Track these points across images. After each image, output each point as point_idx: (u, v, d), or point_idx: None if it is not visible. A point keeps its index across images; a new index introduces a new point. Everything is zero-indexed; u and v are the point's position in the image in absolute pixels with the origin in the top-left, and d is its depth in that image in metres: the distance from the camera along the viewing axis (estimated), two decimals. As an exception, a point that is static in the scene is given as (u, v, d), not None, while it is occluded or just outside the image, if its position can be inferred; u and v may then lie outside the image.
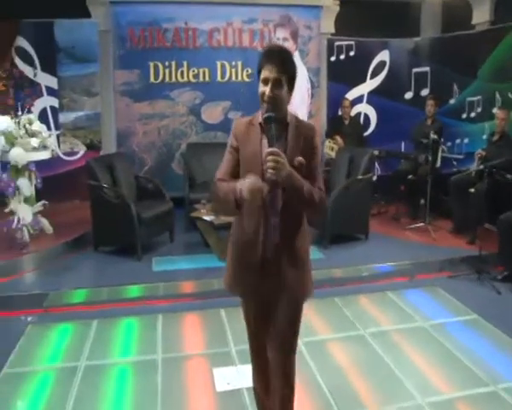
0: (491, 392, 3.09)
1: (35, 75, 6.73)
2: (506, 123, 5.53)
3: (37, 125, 5.27)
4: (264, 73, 1.98)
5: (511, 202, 4.99)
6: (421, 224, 6.06)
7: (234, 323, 3.84)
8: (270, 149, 1.88)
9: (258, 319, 2.25)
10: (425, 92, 7.24)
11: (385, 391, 3.11)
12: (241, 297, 2.27)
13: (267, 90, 1.97)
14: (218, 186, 2.09)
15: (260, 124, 2.05)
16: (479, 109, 6.44)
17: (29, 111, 5.53)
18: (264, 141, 2.01)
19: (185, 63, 6.97)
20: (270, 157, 1.86)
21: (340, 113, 7.26)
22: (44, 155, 5.27)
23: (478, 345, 3.65)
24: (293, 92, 2.06)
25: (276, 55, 2.00)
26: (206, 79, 7.05)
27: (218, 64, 7.05)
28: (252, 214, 2.06)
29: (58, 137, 6.82)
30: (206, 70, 7.03)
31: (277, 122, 1.98)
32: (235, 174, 2.08)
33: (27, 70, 6.70)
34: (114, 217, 5.22)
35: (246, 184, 1.92)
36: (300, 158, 1.99)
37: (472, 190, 5.51)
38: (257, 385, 2.40)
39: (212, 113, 7.12)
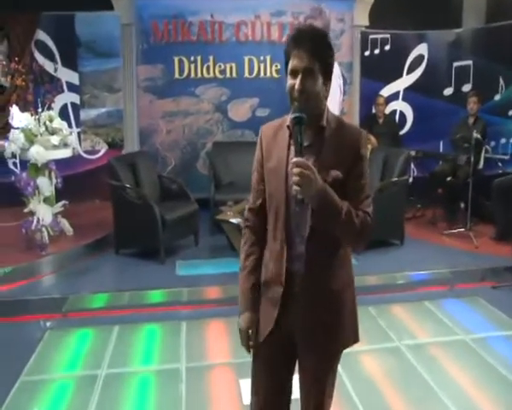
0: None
1: (55, 70, 6.82)
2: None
3: (58, 123, 5.36)
4: (293, 63, 1.67)
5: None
6: (461, 229, 5.95)
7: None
8: (296, 160, 1.57)
9: (275, 373, 1.89)
10: (467, 88, 7.09)
11: (422, 409, 3.06)
12: (254, 339, 1.88)
13: (297, 83, 1.66)
14: (242, 247, 1.93)
15: (288, 127, 1.75)
16: (528, 105, 6.30)
17: (49, 107, 5.64)
18: (293, 148, 1.68)
19: (211, 58, 7.00)
20: (295, 169, 1.55)
21: (373, 111, 7.19)
22: (65, 154, 5.36)
23: (525, 362, 3.57)
24: (330, 85, 1.75)
25: (307, 38, 1.68)
26: (233, 74, 7.07)
27: (246, 59, 7.06)
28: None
29: (79, 134, 6.93)
30: (233, 65, 7.05)
31: (310, 124, 1.68)
32: (265, 196, 1.84)
33: (47, 65, 6.79)
34: (137, 218, 5.26)
35: (239, 321, 1.86)
36: (335, 172, 1.67)
37: (519, 193, 5.42)
38: None
39: (239, 110, 7.13)
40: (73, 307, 4.36)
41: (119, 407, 3.07)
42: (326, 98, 1.75)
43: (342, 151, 1.71)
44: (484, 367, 3.50)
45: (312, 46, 1.66)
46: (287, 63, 1.72)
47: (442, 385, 3.26)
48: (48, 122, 5.27)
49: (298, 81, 1.65)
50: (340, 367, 3.39)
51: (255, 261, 1.88)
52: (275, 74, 7.06)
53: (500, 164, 6.47)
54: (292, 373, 1.94)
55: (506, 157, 6.52)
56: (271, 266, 1.82)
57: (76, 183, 6.39)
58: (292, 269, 1.77)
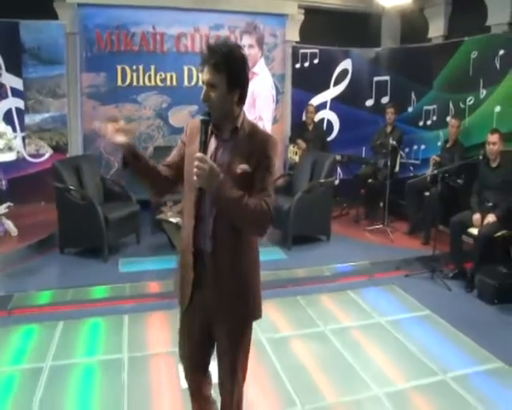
0: (440, 381, 3.29)
1: (-1, 76, 6.57)
2: (458, 131, 5.77)
3: (2, 127, 5.22)
4: (202, 75, 1.91)
5: (461, 204, 5.22)
6: (380, 225, 6.26)
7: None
8: (197, 155, 1.77)
9: (195, 340, 2.08)
10: (385, 100, 7.45)
11: (344, 384, 3.23)
12: (180, 308, 2.10)
13: (202, 93, 1.88)
14: None
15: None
16: (434, 118, 6.64)
17: (-7, 112, 5.45)
18: (211, 143, 1.92)
19: (153, 67, 6.95)
20: (195, 162, 1.75)
21: (304, 118, 7.38)
22: (9, 157, 5.22)
23: (430, 339, 3.84)
24: (240, 90, 1.88)
25: (211, 56, 1.83)
26: (174, 83, 7.05)
27: (185, 69, 7.07)
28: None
29: (24, 138, 6.69)
30: (174, 74, 7.03)
31: (225, 124, 1.91)
32: (176, 164, 2.04)
33: (-10, 70, 6.51)
34: (81, 218, 5.17)
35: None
36: (244, 165, 1.86)
37: (427, 193, 5.76)
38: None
39: (179, 116, 7.12)
40: (18, 304, 4.24)
41: (64, 396, 3.04)
42: (235, 104, 1.90)
43: (252, 149, 1.89)
44: (397, 345, 3.73)
45: (215, 63, 1.82)
46: None
47: (361, 363, 3.46)
48: (-8, 126, 5.10)
49: (202, 92, 1.87)
50: (270, 351, 3.54)
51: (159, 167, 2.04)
52: (213, 84, 7.08)
53: (412, 168, 6.84)
54: (212, 337, 2.07)
55: (417, 162, 6.88)
56: (185, 238, 1.98)
57: (21, 185, 6.19)
58: (201, 246, 1.93)
